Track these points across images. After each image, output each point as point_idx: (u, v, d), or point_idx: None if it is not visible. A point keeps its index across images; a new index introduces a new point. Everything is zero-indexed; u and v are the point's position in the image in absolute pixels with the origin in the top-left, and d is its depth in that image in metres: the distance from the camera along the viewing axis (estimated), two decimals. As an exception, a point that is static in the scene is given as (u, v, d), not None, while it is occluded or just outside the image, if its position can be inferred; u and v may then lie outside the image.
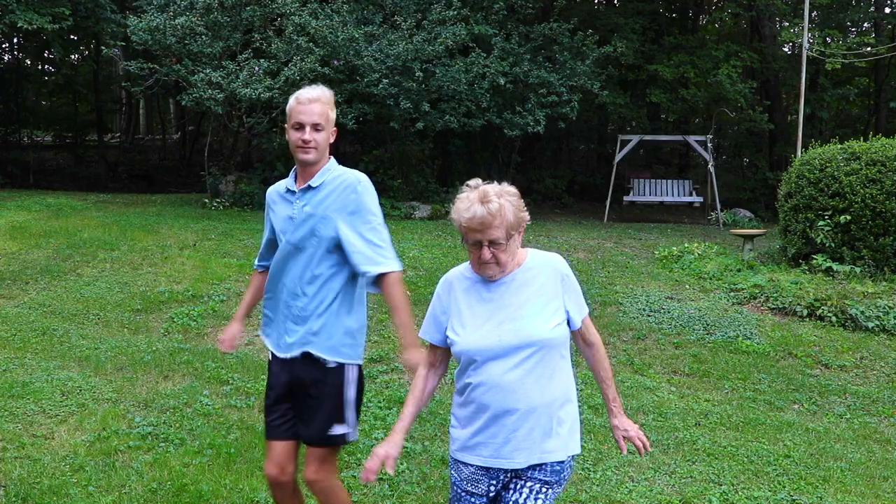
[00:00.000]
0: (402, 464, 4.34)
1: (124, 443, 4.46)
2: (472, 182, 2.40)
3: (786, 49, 20.02)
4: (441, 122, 13.63)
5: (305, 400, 2.94)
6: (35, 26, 14.09)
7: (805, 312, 7.57)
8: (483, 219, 2.29)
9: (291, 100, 2.96)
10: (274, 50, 12.79)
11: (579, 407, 5.51)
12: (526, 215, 2.41)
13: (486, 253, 2.33)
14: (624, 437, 2.58)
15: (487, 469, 2.43)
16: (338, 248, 2.93)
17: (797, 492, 4.32)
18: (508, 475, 2.44)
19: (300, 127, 2.90)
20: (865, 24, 20.97)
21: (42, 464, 4.16)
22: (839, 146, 9.15)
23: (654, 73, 17.64)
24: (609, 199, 16.03)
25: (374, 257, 2.89)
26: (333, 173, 2.97)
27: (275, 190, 3.12)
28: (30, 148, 21.81)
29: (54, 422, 4.74)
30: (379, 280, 2.92)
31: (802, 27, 13.37)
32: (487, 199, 2.30)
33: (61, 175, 21.25)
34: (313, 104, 2.89)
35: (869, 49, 16.93)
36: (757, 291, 8.15)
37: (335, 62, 13.00)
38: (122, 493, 3.89)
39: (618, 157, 16.15)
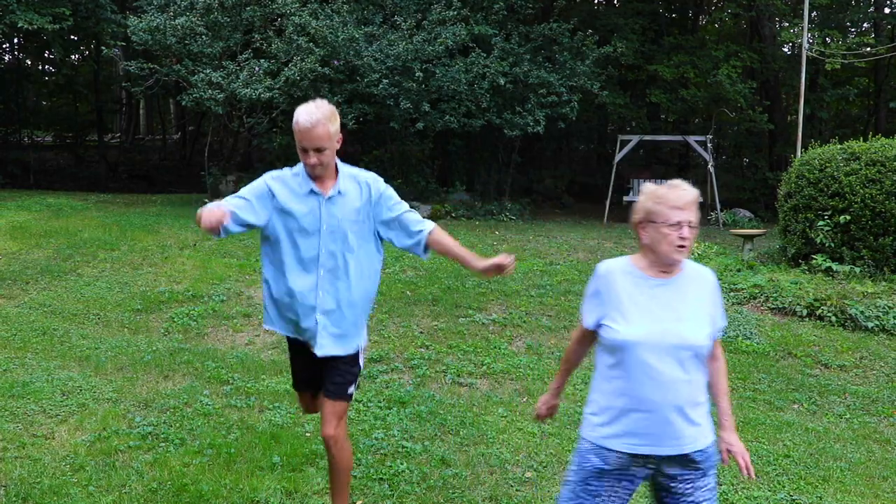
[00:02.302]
0: (402, 464, 4.35)
1: (124, 443, 4.46)
2: (672, 182, 2.67)
3: (785, 49, 20.01)
4: (441, 122, 13.63)
5: (335, 368, 3.32)
6: (35, 26, 14.10)
7: (805, 312, 7.58)
8: (690, 200, 2.56)
9: (294, 119, 3.10)
10: (274, 50, 12.80)
11: (580, 406, 5.52)
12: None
13: (686, 231, 2.55)
14: (728, 451, 2.74)
15: (634, 456, 2.59)
16: (375, 251, 3.35)
17: (797, 492, 4.32)
18: (654, 461, 2.60)
19: (305, 150, 3.10)
20: (865, 25, 20.97)
21: (42, 464, 4.16)
22: (839, 146, 9.15)
23: (654, 73, 17.65)
24: (609, 199, 16.04)
25: (417, 222, 3.28)
26: (350, 176, 3.24)
27: (282, 181, 3.22)
28: (30, 148, 21.82)
29: (54, 422, 4.74)
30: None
31: (802, 27, 13.37)
32: (686, 186, 2.59)
33: (62, 175, 21.26)
34: (315, 129, 3.04)
35: (868, 49, 16.93)
36: (757, 291, 8.15)
37: (335, 62, 13.01)
38: (123, 493, 3.90)
39: (618, 157, 16.15)
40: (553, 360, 6.34)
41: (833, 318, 7.39)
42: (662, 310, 2.57)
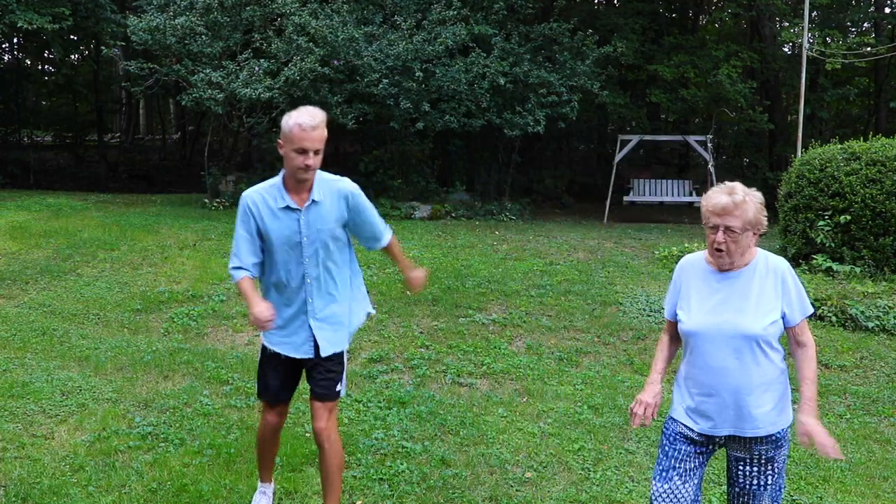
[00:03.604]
0: (402, 464, 4.35)
1: (124, 443, 4.46)
2: (728, 182, 2.80)
3: (786, 49, 20.00)
4: (441, 122, 13.62)
5: (320, 372, 3.41)
6: (35, 26, 14.08)
7: (805, 312, 7.57)
8: (726, 206, 2.67)
9: (293, 124, 3.16)
10: (274, 50, 12.79)
11: (580, 406, 5.50)
12: (764, 220, 2.74)
13: (720, 236, 2.69)
14: (806, 434, 2.75)
15: (702, 434, 2.83)
16: (347, 244, 3.46)
17: (797, 492, 4.32)
18: (723, 440, 2.83)
19: (303, 152, 3.18)
20: (865, 24, 20.95)
21: (42, 464, 4.16)
22: (839, 146, 9.15)
23: (654, 73, 17.63)
24: (609, 199, 16.03)
25: (383, 230, 3.55)
26: (325, 183, 3.34)
27: (260, 199, 3.31)
28: (30, 148, 21.80)
29: (54, 422, 4.74)
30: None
31: (802, 27, 13.36)
32: (733, 192, 2.70)
33: (61, 175, 21.25)
34: (315, 131, 3.16)
35: (869, 49, 16.92)
36: (757, 291, 8.13)
37: (335, 62, 13.00)
38: (122, 493, 3.89)
39: (618, 157, 16.14)
40: (553, 360, 6.33)
41: (833, 318, 7.39)
42: (723, 302, 2.75)
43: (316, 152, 3.18)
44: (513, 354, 6.44)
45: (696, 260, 2.90)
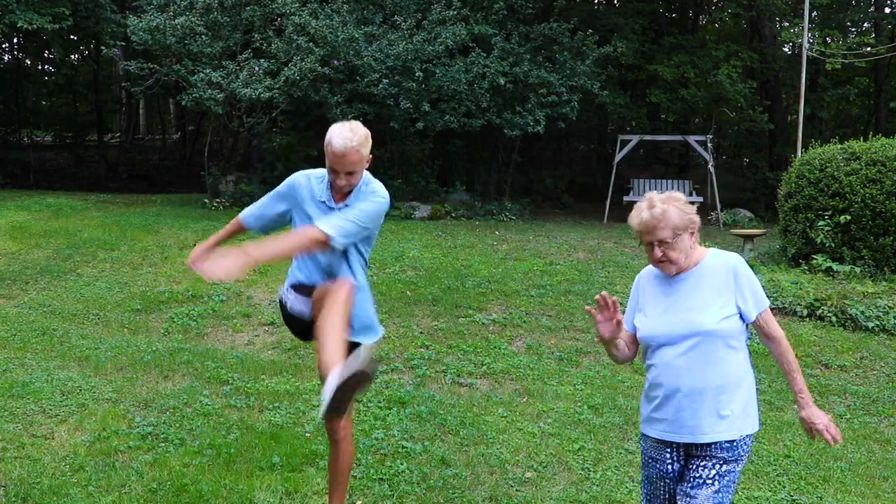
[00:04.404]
0: (402, 464, 4.35)
1: (124, 443, 4.46)
2: (648, 193, 2.79)
3: (786, 49, 20.01)
4: (441, 122, 13.62)
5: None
6: (35, 26, 14.08)
7: (805, 312, 7.57)
8: (648, 222, 2.69)
9: (327, 141, 3.11)
10: (274, 50, 12.79)
11: (580, 406, 5.50)
12: (694, 217, 2.75)
13: (658, 252, 2.71)
14: (812, 428, 2.74)
15: (663, 441, 2.78)
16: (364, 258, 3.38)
17: (797, 492, 4.32)
18: (683, 449, 2.76)
19: (334, 171, 3.15)
20: (865, 24, 20.96)
21: (42, 464, 4.16)
22: (839, 146, 9.15)
23: (654, 73, 17.64)
24: (609, 199, 16.03)
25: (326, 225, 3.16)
26: (365, 185, 3.26)
27: (307, 184, 3.29)
28: (30, 148, 21.80)
29: (54, 422, 4.74)
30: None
31: (802, 27, 13.37)
32: (652, 206, 2.70)
33: (61, 175, 21.25)
34: (347, 156, 3.08)
35: (869, 49, 16.93)
36: (757, 291, 8.13)
37: (335, 62, 13.00)
38: (122, 493, 3.89)
39: (618, 157, 16.14)
40: (553, 360, 6.33)
41: (833, 319, 7.38)
42: (674, 304, 2.74)
43: (348, 174, 3.13)
44: (513, 354, 6.44)
45: (649, 269, 2.89)
